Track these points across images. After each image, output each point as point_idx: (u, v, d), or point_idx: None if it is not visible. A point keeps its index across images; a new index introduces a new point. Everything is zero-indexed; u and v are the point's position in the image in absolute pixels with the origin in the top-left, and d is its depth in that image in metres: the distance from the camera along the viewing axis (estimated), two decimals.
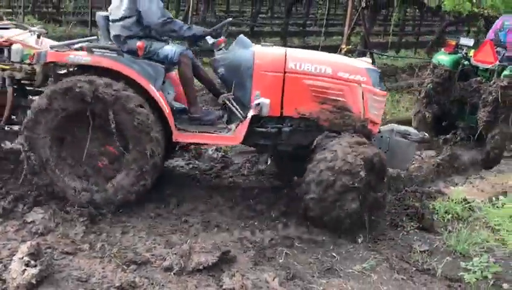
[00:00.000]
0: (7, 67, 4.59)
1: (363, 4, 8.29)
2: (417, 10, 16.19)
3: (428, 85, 7.42)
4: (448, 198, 5.18)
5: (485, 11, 10.35)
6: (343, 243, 4.25)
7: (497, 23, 7.74)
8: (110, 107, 4.13)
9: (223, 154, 6.04)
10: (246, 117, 4.45)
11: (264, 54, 4.60)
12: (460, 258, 4.14)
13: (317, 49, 5.25)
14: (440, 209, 4.92)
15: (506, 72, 6.72)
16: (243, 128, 4.42)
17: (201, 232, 4.20)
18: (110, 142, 4.30)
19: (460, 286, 3.77)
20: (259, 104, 4.40)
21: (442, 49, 7.64)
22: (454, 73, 7.28)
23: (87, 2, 13.09)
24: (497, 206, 4.98)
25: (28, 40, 4.91)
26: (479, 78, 7.16)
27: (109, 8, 4.77)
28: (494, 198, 5.25)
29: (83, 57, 4.26)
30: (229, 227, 4.34)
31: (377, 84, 4.64)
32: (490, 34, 7.75)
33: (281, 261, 3.87)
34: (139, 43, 4.44)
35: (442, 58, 7.42)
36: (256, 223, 4.45)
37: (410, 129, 5.01)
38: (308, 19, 20.73)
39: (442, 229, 4.61)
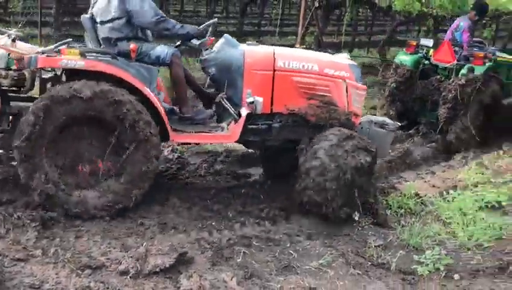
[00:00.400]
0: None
1: (316, 4, 8.40)
2: (369, 10, 16.52)
3: (392, 84, 7.81)
4: (401, 193, 5.30)
5: (434, 11, 10.66)
6: (300, 240, 4.30)
7: (454, 24, 8.08)
8: (111, 113, 4.13)
9: (178, 155, 6.00)
10: (240, 115, 4.53)
11: (253, 53, 4.71)
12: (413, 251, 4.24)
13: None
14: (393, 204, 5.04)
15: (463, 71, 7.15)
16: (238, 127, 4.52)
17: (157, 234, 4.16)
18: (110, 148, 4.27)
19: (413, 278, 3.87)
20: (253, 102, 4.49)
21: (404, 50, 8.03)
22: (415, 72, 7.72)
23: (36, 2, 12.70)
24: (447, 200, 5.14)
25: (8, 44, 4.64)
26: (438, 77, 7.59)
27: (94, 10, 4.65)
28: (444, 192, 5.41)
29: (76, 62, 4.16)
30: (186, 228, 4.32)
31: (358, 79, 4.94)
32: (448, 35, 8.10)
33: (238, 260, 3.88)
34: (132, 46, 4.41)
35: (404, 58, 7.83)
36: (213, 224, 4.44)
37: (387, 119, 5.25)
38: (263, 18, 20.81)
39: (395, 223, 4.72)
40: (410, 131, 7.84)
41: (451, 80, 7.22)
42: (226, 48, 4.71)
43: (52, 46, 4.50)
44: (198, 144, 5.73)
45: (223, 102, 4.62)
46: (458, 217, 4.74)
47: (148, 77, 4.40)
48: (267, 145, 4.91)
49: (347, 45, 15.67)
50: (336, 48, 15.04)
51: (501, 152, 6.91)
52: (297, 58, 4.72)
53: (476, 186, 5.66)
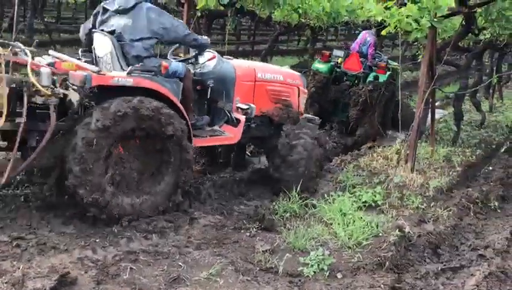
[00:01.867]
0: (48, 92, 4.24)
1: (198, 14, 8.46)
2: (250, 20, 16.92)
3: (312, 88, 8.93)
4: (286, 197, 5.46)
5: (311, 22, 11.16)
6: (190, 251, 4.26)
7: (361, 38, 9.56)
8: (159, 126, 4.57)
9: None
10: (238, 120, 5.43)
11: (240, 67, 5.72)
12: (299, 253, 4.39)
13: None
14: (279, 208, 5.17)
15: (370, 79, 8.71)
16: (239, 129, 5.41)
17: (36, 256, 3.89)
18: (153, 157, 4.74)
19: (300, 280, 4.00)
20: (248, 108, 5.45)
21: (318, 59, 9.48)
22: (329, 78, 9.13)
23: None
24: (329, 202, 5.38)
25: (43, 62, 4.63)
26: (348, 83, 9.14)
27: (113, 24, 4.85)
28: (325, 195, 5.66)
29: (126, 79, 4.49)
30: (67, 247, 4.09)
31: (305, 85, 6.34)
32: (355, 47, 9.56)
33: (125, 277, 3.75)
34: (164, 63, 4.87)
35: (320, 66, 9.19)
36: (97, 241, 4.26)
37: (311, 116, 6.57)
38: None
39: (281, 227, 4.85)
40: (326, 128, 9.03)
41: (360, 86, 8.70)
42: (220, 63, 5.54)
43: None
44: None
45: (226, 109, 5.44)
46: (339, 217, 4.98)
47: (177, 91, 4.92)
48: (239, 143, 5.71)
49: (231, 53, 15.89)
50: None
51: (375, 154, 7.40)
52: (269, 71, 5.93)
53: (354, 187, 6.01)
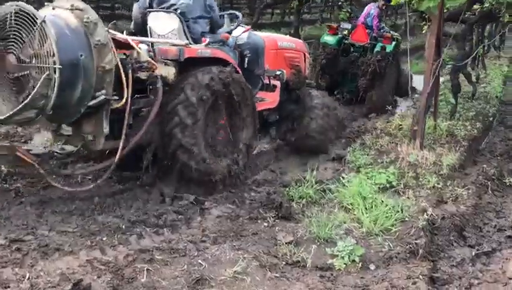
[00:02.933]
0: (155, 66, 4.57)
1: None
2: None
3: (322, 61, 9.37)
4: (299, 182, 5.12)
5: None
6: (207, 246, 3.90)
7: (366, 11, 9.88)
8: (234, 89, 4.98)
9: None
10: (274, 86, 5.93)
11: (266, 37, 6.15)
12: (324, 244, 4.05)
13: None
14: (295, 194, 4.84)
15: (377, 49, 9.08)
16: (277, 94, 5.96)
17: (39, 260, 3.46)
18: (234, 117, 5.17)
19: (332, 274, 3.68)
20: (280, 74, 5.93)
21: (326, 32, 9.78)
22: (338, 50, 9.44)
23: None
24: (345, 185, 5.06)
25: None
26: (355, 54, 9.41)
27: (174, 3, 5.13)
28: (339, 177, 5.35)
29: (207, 51, 4.98)
30: (72, 248, 3.68)
31: (308, 52, 6.93)
32: (361, 19, 9.88)
33: (143, 280, 3.37)
34: (225, 34, 5.38)
35: (329, 39, 9.52)
36: (104, 239, 3.87)
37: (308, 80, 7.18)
38: None
39: (300, 215, 4.52)
40: (338, 95, 9.42)
41: (369, 57, 9.04)
42: (252, 35, 5.85)
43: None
44: None
45: (262, 76, 5.79)
46: (359, 201, 4.66)
47: (236, 59, 5.41)
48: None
49: None
50: None
51: (378, 131, 7.12)
52: (285, 40, 6.53)
53: (365, 168, 5.70)
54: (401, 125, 7.56)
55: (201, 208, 4.52)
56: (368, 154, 6.18)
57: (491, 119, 9.21)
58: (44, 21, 3.84)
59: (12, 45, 3.96)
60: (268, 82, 5.89)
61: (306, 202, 4.78)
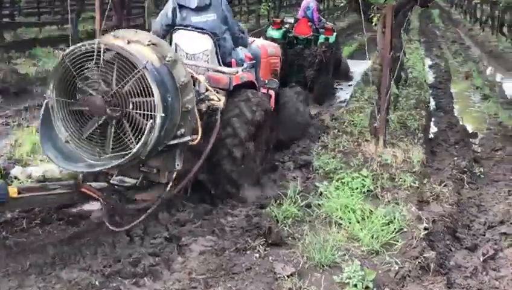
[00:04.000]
0: (217, 98, 4.58)
1: None
2: None
3: None
4: (278, 199, 4.67)
5: None
6: None
7: (303, 6, 10.30)
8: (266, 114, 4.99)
9: None
10: (269, 95, 5.90)
11: (261, 45, 6.24)
12: (328, 271, 3.62)
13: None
14: (279, 214, 4.38)
15: (321, 40, 9.59)
16: (271, 102, 5.84)
17: None
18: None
19: None
20: (275, 82, 6.05)
21: (271, 26, 10.00)
22: (284, 44, 9.41)
23: None
24: (328, 197, 4.67)
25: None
26: (300, 46, 9.76)
27: (198, 21, 4.98)
28: (315, 187, 4.96)
29: (244, 75, 5.05)
30: None
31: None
32: (301, 13, 10.36)
33: None
34: (249, 55, 5.51)
35: (274, 33, 9.70)
36: None
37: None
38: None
39: (290, 239, 4.07)
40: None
41: (314, 48, 9.44)
42: (253, 47, 5.87)
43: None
44: None
45: (261, 86, 5.74)
46: (350, 215, 4.30)
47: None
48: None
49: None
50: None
51: (335, 131, 6.81)
52: (270, 46, 6.59)
53: (335, 173, 5.36)
54: (353, 121, 7.34)
55: (178, 245, 3.94)
56: (334, 158, 5.82)
57: (429, 104, 9.28)
58: (145, 68, 3.62)
59: (99, 87, 3.72)
60: (265, 92, 5.80)
61: (292, 222, 4.33)
